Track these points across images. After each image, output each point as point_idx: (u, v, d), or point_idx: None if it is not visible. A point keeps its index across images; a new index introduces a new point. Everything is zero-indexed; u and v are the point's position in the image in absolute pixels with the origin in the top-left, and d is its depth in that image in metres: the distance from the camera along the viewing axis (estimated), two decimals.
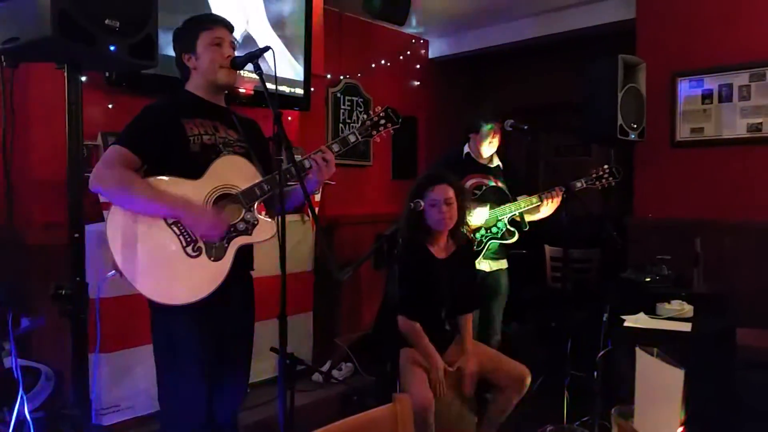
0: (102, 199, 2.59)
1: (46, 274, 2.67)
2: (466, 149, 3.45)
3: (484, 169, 3.43)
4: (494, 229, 3.29)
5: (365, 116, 2.25)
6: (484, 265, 3.32)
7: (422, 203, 2.69)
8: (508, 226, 3.28)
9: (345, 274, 2.01)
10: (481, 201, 3.26)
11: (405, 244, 2.76)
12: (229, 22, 2.18)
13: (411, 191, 2.81)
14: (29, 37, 1.60)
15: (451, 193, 2.76)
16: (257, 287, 2.30)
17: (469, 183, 3.32)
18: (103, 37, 1.66)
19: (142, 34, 1.77)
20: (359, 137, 2.22)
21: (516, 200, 3.29)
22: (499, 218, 3.27)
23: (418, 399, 2.43)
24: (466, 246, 2.95)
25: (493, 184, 3.37)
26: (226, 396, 2.17)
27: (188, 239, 1.97)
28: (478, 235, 3.26)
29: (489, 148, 3.36)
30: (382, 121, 2.24)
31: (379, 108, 2.25)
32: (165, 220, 1.96)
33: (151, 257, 1.93)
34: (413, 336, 2.71)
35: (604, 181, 3.33)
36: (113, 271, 1.93)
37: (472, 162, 3.43)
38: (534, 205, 3.25)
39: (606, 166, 3.37)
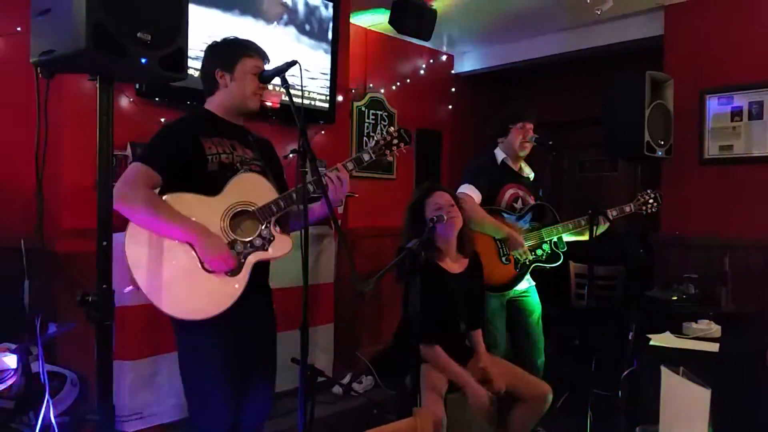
0: None
1: (74, 280, 2.73)
2: (501, 156, 3.28)
3: (522, 180, 3.31)
4: (539, 251, 3.18)
5: (379, 136, 2.37)
6: (522, 284, 3.21)
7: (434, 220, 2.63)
8: (554, 248, 3.19)
9: (367, 286, 2.02)
10: (525, 218, 3.18)
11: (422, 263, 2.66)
12: (267, 55, 2.23)
13: (410, 205, 2.81)
14: (65, 50, 1.64)
15: (450, 198, 2.77)
16: (278, 298, 2.32)
17: (507, 194, 3.22)
18: (134, 49, 1.69)
19: (173, 46, 1.80)
20: (373, 156, 2.32)
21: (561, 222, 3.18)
22: (545, 240, 3.15)
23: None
24: (476, 259, 2.89)
25: (532, 200, 3.27)
26: (252, 408, 2.20)
27: None
28: (521, 257, 3.12)
29: (527, 145, 3.21)
30: (395, 141, 2.35)
31: (393, 129, 2.37)
32: None
33: (169, 273, 1.97)
34: (438, 362, 2.64)
35: (649, 207, 3.27)
36: (130, 287, 1.96)
37: (509, 170, 3.28)
38: (582, 228, 3.14)
39: (650, 191, 3.30)
